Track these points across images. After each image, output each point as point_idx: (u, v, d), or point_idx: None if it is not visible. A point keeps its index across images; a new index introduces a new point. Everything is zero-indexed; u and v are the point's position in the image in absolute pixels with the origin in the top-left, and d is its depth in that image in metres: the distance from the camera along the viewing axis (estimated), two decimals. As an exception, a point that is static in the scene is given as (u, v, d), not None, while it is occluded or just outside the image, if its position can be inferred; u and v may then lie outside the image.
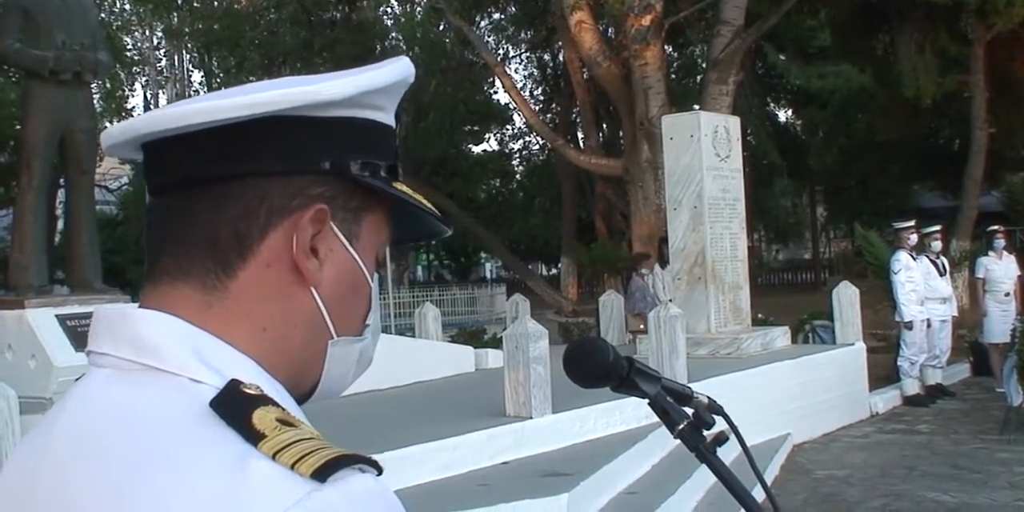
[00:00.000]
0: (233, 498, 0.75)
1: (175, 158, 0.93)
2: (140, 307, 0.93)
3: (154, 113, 0.93)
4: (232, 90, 0.93)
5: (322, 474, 0.77)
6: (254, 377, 0.87)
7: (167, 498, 0.76)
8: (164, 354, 0.87)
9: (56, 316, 7.51)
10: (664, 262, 13.21)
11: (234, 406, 0.81)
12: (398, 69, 0.97)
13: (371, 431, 6.78)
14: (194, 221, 0.91)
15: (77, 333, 7.35)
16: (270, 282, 0.91)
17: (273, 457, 0.77)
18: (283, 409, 0.83)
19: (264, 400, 0.83)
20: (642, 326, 12.71)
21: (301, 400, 0.96)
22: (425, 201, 1.00)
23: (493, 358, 10.57)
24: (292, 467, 0.77)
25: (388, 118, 0.99)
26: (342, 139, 0.94)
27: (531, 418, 7.14)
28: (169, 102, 30.92)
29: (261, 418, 0.80)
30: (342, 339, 0.96)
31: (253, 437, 0.79)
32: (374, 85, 0.94)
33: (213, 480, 0.77)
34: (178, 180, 0.93)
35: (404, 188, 0.98)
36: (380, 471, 0.81)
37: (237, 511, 0.75)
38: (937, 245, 12.47)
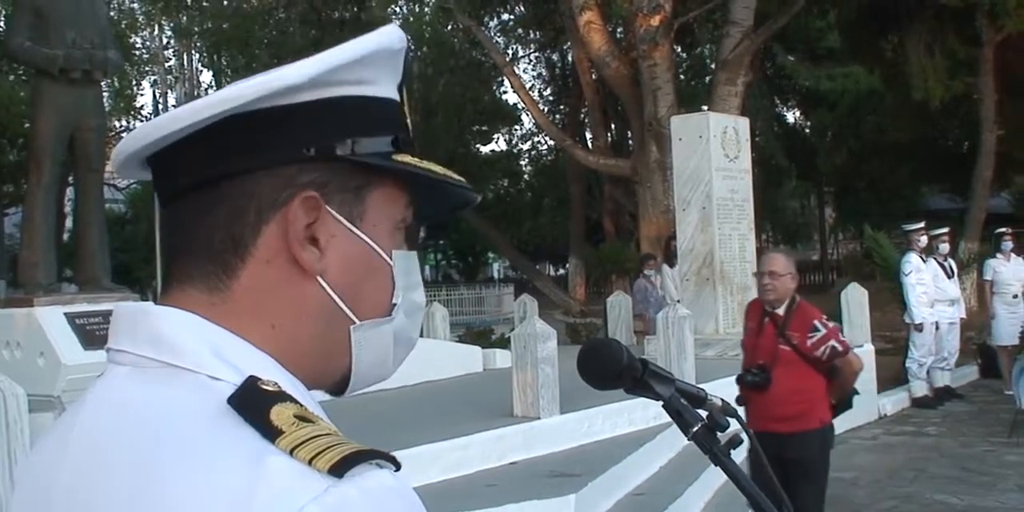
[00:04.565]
0: (251, 494, 0.75)
1: (169, 169, 0.93)
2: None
3: (132, 132, 0.94)
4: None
5: (339, 470, 0.76)
6: (272, 373, 0.87)
7: (185, 495, 0.77)
8: (182, 351, 0.87)
9: (65, 314, 7.50)
10: (671, 259, 13.15)
11: (252, 403, 0.81)
12: (373, 38, 0.93)
13: (379, 431, 6.77)
14: (192, 227, 0.91)
15: (86, 331, 7.36)
16: (273, 278, 0.91)
17: (291, 453, 0.77)
18: (301, 405, 0.83)
19: (282, 396, 0.83)
20: (642, 326, 12.72)
21: (337, 391, 0.96)
22: (438, 168, 0.98)
23: (501, 358, 10.57)
24: (310, 463, 0.77)
25: (381, 91, 0.96)
26: (323, 122, 0.92)
27: (539, 418, 7.14)
28: (178, 101, 31.02)
29: (279, 414, 0.80)
30: (366, 323, 0.95)
31: (271, 433, 0.79)
32: (341, 60, 0.91)
33: (231, 477, 0.77)
34: (176, 189, 0.93)
35: (408, 159, 0.96)
36: (398, 467, 0.81)
37: (255, 507, 0.75)
38: (944, 247, 12.44)
